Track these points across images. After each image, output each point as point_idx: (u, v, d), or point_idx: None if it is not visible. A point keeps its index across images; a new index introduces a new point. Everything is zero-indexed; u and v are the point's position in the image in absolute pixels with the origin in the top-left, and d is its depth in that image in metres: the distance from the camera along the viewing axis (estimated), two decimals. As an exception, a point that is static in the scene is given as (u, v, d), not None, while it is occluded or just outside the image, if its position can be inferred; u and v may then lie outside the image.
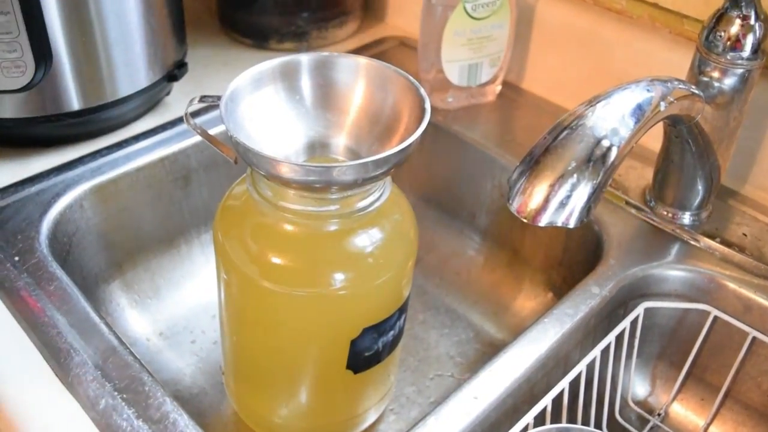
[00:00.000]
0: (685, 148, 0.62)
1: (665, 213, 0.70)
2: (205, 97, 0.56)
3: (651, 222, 0.70)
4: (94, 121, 0.76)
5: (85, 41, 0.70)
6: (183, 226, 0.80)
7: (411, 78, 0.54)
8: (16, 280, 0.59)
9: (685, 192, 0.68)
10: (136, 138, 0.77)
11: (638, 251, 0.67)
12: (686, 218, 0.69)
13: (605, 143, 0.45)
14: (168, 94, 0.83)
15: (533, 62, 0.88)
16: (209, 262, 0.81)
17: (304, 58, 0.58)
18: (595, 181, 0.44)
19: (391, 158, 0.48)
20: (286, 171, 0.48)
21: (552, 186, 0.44)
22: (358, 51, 0.96)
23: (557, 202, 0.44)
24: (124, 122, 0.79)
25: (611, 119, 0.45)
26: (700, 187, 0.67)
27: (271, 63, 0.58)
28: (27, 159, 0.74)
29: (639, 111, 0.47)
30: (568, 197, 0.44)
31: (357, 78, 0.58)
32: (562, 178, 0.44)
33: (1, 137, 0.75)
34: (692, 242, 0.68)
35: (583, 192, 0.44)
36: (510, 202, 0.45)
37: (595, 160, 0.44)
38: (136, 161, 0.74)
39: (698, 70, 0.61)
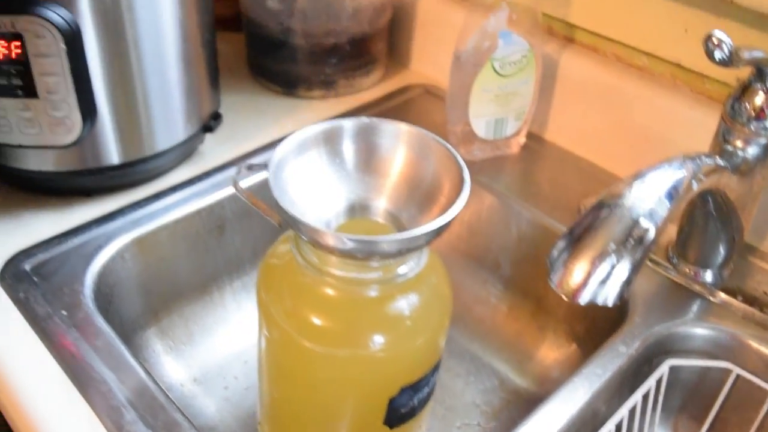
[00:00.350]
0: (709, 213, 0.65)
1: (688, 270, 0.72)
2: (253, 165, 0.59)
3: (674, 279, 0.72)
4: (132, 173, 0.78)
5: (127, 98, 0.73)
6: (216, 273, 0.83)
7: (450, 147, 0.56)
8: (66, 336, 0.62)
9: (707, 251, 0.70)
10: (174, 189, 0.80)
11: (662, 308, 0.69)
12: (708, 276, 0.71)
13: (644, 224, 0.47)
14: (202, 142, 0.86)
15: (556, 114, 0.91)
16: (241, 309, 0.84)
17: (347, 124, 0.60)
18: (634, 260, 0.46)
19: (434, 231, 0.50)
20: (331, 241, 0.50)
21: (592, 264, 0.46)
22: (384, 99, 0.99)
23: (597, 280, 0.46)
24: (161, 172, 0.81)
25: (648, 200, 0.48)
26: (722, 247, 0.69)
27: (315, 129, 0.60)
28: (68, 209, 0.77)
29: (674, 191, 0.49)
30: (608, 276, 0.46)
31: (398, 144, 0.60)
32: (602, 257, 0.46)
33: (43, 188, 0.78)
34: (714, 300, 0.70)
35: (622, 270, 0.46)
36: (551, 278, 0.48)
37: (634, 239, 0.47)
38: (174, 213, 0.77)
39: (723, 138, 0.63)
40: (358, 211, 0.61)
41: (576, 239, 0.47)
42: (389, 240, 0.49)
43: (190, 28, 0.75)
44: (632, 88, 0.83)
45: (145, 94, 0.74)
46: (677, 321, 0.68)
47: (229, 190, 0.80)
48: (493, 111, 0.84)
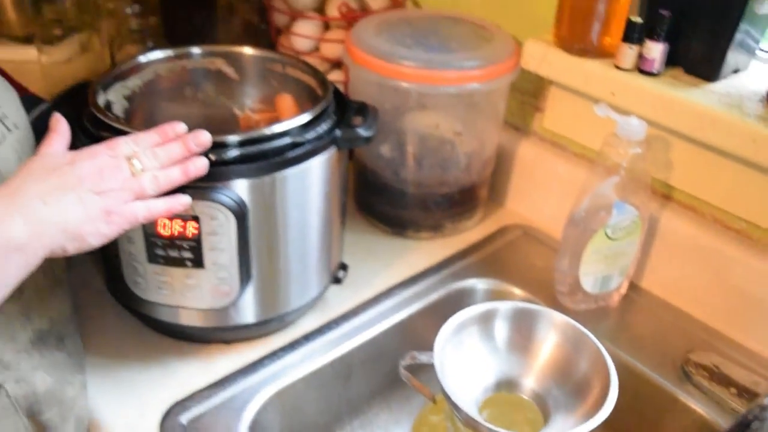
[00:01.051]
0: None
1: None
2: (418, 354, 0.64)
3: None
4: (267, 327, 0.85)
5: (271, 264, 0.80)
6: (339, 415, 0.88)
7: (604, 351, 0.62)
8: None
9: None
10: (307, 338, 0.86)
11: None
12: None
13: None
14: (328, 290, 0.92)
15: (654, 266, 0.96)
16: (361, 451, 0.89)
17: (502, 307, 0.67)
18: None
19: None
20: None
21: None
22: (486, 241, 1.05)
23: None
24: (292, 321, 0.87)
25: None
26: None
27: (472, 311, 0.66)
28: (211, 357, 0.83)
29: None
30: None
31: (550, 331, 0.66)
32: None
33: (187, 338, 0.84)
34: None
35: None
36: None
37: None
38: (309, 365, 0.83)
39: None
40: (505, 386, 0.67)
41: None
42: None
43: (331, 197, 0.82)
44: (729, 249, 0.88)
45: (287, 259, 0.80)
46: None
47: (359, 340, 0.86)
48: (601, 269, 0.89)
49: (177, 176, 0.67)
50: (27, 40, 1.50)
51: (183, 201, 0.67)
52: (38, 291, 0.72)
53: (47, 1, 1.40)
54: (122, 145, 0.66)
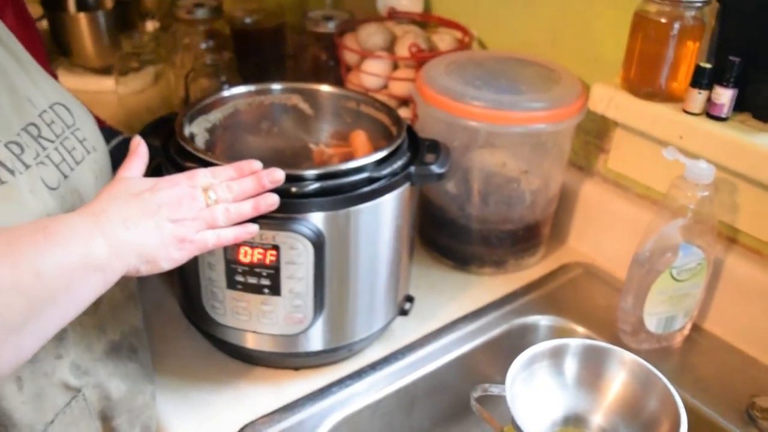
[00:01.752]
0: None
1: None
2: (490, 386, 0.66)
3: None
4: (334, 355, 0.87)
5: (341, 294, 0.82)
6: (401, 445, 0.90)
7: (674, 391, 0.63)
8: None
9: None
10: (373, 367, 0.88)
11: None
12: None
13: None
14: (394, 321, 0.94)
15: (719, 308, 0.96)
16: (422, 481, 0.90)
17: (572, 343, 0.68)
18: None
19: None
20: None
21: None
22: (547, 277, 1.06)
23: None
24: (359, 351, 0.90)
25: None
26: None
27: (543, 346, 0.67)
28: (280, 382, 0.86)
29: None
30: None
31: (619, 370, 0.67)
32: None
33: (256, 361, 0.88)
34: None
35: None
36: None
37: None
38: (375, 394, 0.85)
39: None
40: (573, 421, 0.68)
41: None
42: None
43: (402, 231, 0.84)
44: (797, 293, 0.89)
45: (357, 290, 0.83)
46: None
47: (423, 371, 0.88)
48: (666, 310, 0.90)
49: (248, 210, 0.70)
50: (104, 71, 1.58)
51: (250, 230, 0.70)
52: (113, 305, 0.76)
53: (126, 35, 1.47)
54: (201, 176, 0.69)
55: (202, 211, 0.67)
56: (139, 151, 0.71)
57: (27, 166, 0.63)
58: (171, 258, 0.65)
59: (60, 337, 0.68)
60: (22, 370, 0.65)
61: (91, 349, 0.73)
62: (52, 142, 0.67)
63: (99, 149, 0.75)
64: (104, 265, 0.60)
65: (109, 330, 0.76)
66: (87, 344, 0.72)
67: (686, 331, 0.95)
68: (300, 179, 0.74)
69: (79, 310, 0.60)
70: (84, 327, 0.72)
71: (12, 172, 0.61)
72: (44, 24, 1.57)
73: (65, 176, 0.67)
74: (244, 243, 0.75)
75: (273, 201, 0.71)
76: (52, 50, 1.60)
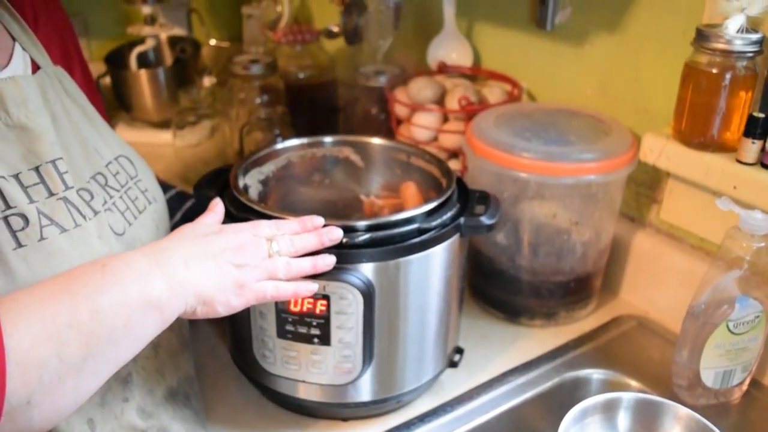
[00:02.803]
0: None
1: None
2: (540, 441, 0.65)
3: None
4: (383, 406, 0.87)
5: (390, 345, 0.82)
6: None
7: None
8: None
9: None
10: (422, 419, 0.87)
11: None
12: None
13: None
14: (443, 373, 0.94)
15: (779, 363, 0.93)
16: None
17: (625, 397, 0.67)
18: None
19: None
20: None
21: None
22: (598, 330, 1.04)
23: None
24: (407, 402, 0.89)
25: None
26: None
27: (595, 399, 0.66)
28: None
29: None
30: None
31: (674, 425, 0.66)
32: None
33: (304, 411, 0.88)
34: None
35: None
36: None
37: None
38: (426, 447, 0.84)
39: None
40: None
41: None
42: None
43: (452, 282, 0.84)
44: None
45: (406, 341, 0.83)
46: None
47: (471, 425, 0.87)
48: (723, 364, 0.88)
49: (307, 267, 0.71)
50: (162, 125, 1.63)
51: (311, 288, 0.71)
52: (171, 352, 0.78)
53: (184, 91, 1.52)
54: (265, 227, 0.71)
55: (264, 260, 0.68)
56: (217, 209, 0.75)
57: (96, 212, 0.66)
58: (228, 303, 0.66)
59: (126, 380, 0.70)
60: (93, 412, 0.67)
61: (152, 393, 0.75)
62: (118, 191, 0.70)
63: (159, 200, 0.78)
64: (162, 304, 0.61)
65: (167, 375, 0.78)
66: (149, 388, 0.74)
67: (745, 387, 0.92)
68: (351, 230, 0.76)
69: (137, 349, 0.61)
70: (147, 371, 0.74)
71: (84, 217, 0.64)
72: (107, 80, 1.64)
73: (129, 224, 0.70)
74: (295, 292, 0.76)
75: (330, 261, 0.73)
76: (114, 105, 1.67)
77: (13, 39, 0.69)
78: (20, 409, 0.52)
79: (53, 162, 0.64)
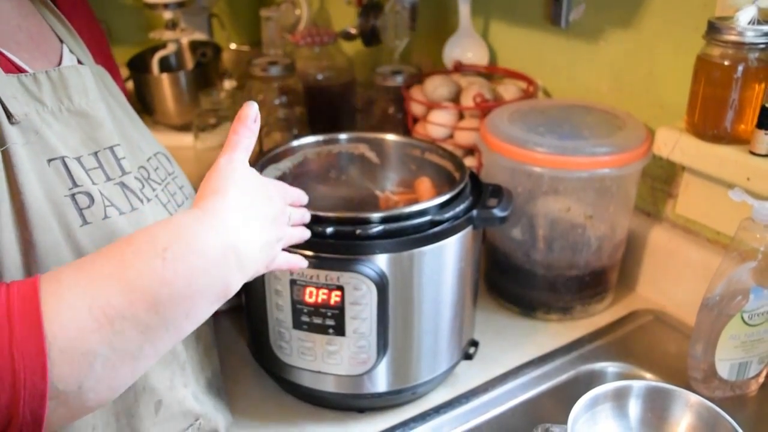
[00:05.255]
0: None
1: None
2: (551, 426, 0.66)
3: None
4: (398, 397, 0.88)
5: (405, 336, 0.84)
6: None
7: (739, 429, 0.61)
8: None
9: None
10: (437, 411, 0.88)
11: None
12: None
13: None
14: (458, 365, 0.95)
15: (796, 356, 0.93)
16: None
17: (636, 385, 0.67)
18: None
19: None
20: None
21: None
22: (614, 324, 1.05)
23: None
24: (423, 394, 0.90)
25: None
26: None
27: (606, 387, 0.67)
28: (344, 424, 0.87)
29: None
30: None
31: (685, 412, 0.66)
32: None
33: (321, 403, 0.89)
34: None
35: None
36: None
37: None
38: (440, 438, 0.85)
39: None
40: (637, 470, 0.67)
41: None
42: None
43: (465, 274, 0.85)
44: None
45: (421, 332, 0.84)
46: None
47: (487, 416, 0.88)
48: (739, 355, 0.88)
49: (297, 238, 0.73)
50: (184, 128, 1.66)
51: (302, 264, 0.74)
52: (206, 346, 0.81)
53: (205, 93, 1.54)
54: (288, 194, 0.73)
55: (286, 231, 0.69)
56: (254, 128, 0.65)
57: (149, 199, 0.68)
58: (258, 273, 0.64)
59: (183, 366, 0.73)
60: (163, 394, 0.69)
61: (198, 382, 0.77)
62: (159, 184, 0.73)
63: (192, 198, 0.80)
64: (232, 291, 0.58)
65: (205, 367, 0.80)
66: (196, 377, 0.77)
67: (761, 379, 0.92)
68: (365, 221, 0.77)
69: (194, 328, 0.57)
70: (193, 361, 0.76)
71: (140, 200, 0.66)
72: (130, 85, 1.67)
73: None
74: (309, 284, 0.77)
75: (307, 235, 0.75)
76: (137, 109, 1.68)
77: (61, 41, 0.72)
78: (72, 394, 0.50)
79: (111, 148, 0.66)
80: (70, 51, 0.72)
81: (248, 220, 0.59)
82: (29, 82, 0.61)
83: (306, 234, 0.75)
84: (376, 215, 0.77)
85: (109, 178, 0.65)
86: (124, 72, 1.65)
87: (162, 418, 0.70)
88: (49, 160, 0.60)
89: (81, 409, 0.52)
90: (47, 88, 0.62)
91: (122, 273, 0.51)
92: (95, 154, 0.65)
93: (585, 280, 1.03)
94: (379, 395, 0.86)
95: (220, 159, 0.63)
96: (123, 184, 0.66)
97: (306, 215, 0.76)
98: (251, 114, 0.64)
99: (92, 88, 0.67)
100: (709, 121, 0.92)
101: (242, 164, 0.63)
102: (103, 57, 0.82)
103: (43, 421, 0.49)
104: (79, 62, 0.72)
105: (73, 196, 0.61)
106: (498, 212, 0.83)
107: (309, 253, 0.76)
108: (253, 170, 0.64)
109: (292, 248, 0.74)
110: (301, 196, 0.76)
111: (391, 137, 0.99)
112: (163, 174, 0.75)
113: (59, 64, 0.69)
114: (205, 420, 0.77)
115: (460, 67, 1.30)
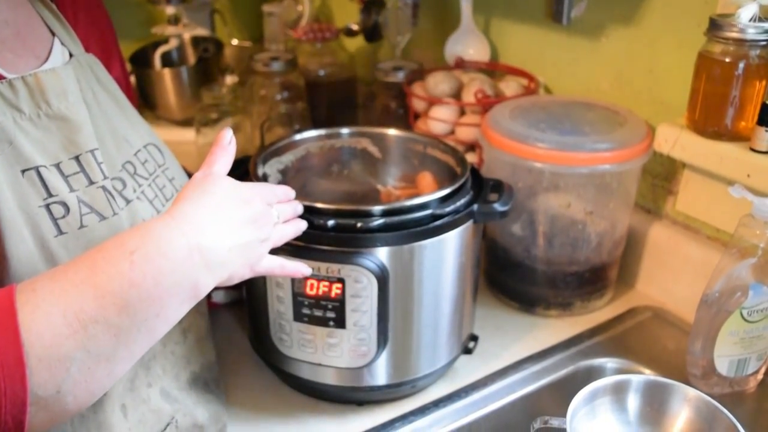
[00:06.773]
0: None
1: None
2: (550, 419, 0.66)
3: None
4: (397, 390, 0.88)
5: (405, 329, 0.84)
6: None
7: (740, 428, 0.61)
8: None
9: None
10: (436, 404, 0.88)
11: None
12: None
13: None
14: (458, 359, 0.95)
15: (794, 353, 0.93)
16: None
17: (635, 379, 0.67)
18: None
19: None
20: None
21: None
22: (614, 320, 1.05)
23: None
24: (422, 388, 0.91)
25: None
26: None
27: (606, 381, 0.67)
28: (343, 417, 0.88)
29: None
30: None
31: (683, 407, 0.66)
32: None
33: (320, 395, 0.89)
34: None
35: None
36: None
37: None
38: (438, 431, 0.85)
39: None
40: (635, 461, 0.67)
41: None
42: None
43: (465, 268, 0.86)
44: None
45: (421, 326, 0.84)
46: None
47: (485, 411, 0.88)
48: (737, 352, 0.88)
49: (290, 235, 0.73)
50: (185, 123, 1.66)
51: (305, 272, 0.74)
52: (197, 337, 0.80)
53: (206, 88, 1.55)
54: (270, 194, 0.70)
55: (271, 230, 0.68)
56: (230, 149, 0.68)
57: (128, 201, 0.68)
58: (243, 277, 0.65)
59: (147, 366, 0.72)
60: (125, 397, 0.69)
61: (178, 378, 0.77)
62: (146, 179, 0.72)
63: None
64: (202, 292, 0.59)
65: (192, 361, 0.80)
66: (175, 374, 0.76)
67: (760, 376, 0.93)
68: (366, 215, 0.77)
69: (169, 328, 0.58)
70: (175, 356, 0.76)
71: (126, 201, 0.66)
72: (132, 80, 1.67)
73: (158, 212, 0.72)
74: (310, 276, 0.77)
75: (303, 226, 0.75)
76: (139, 104, 1.70)
77: (53, 34, 0.71)
78: (51, 398, 0.51)
79: (92, 152, 0.66)
80: (62, 44, 0.71)
81: (217, 222, 0.60)
82: (5, 89, 0.61)
83: (302, 225, 0.75)
84: (377, 208, 0.78)
85: (91, 182, 0.65)
86: (126, 67, 1.65)
87: (134, 422, 0.69)
88: (23, 171, 0.60)
89: (62, 413, 0.53)
90: (24, 94, 0.62)
91: (93, 279, 0.52)
92: (77, 158, 0.64)
93: (585, 277, 1.04)
94: (379, 388, 0.86)
95: (195, 174, 0.64)
96: (104, 188, 0.66)
97: (298, 207, 0.76)
98: (227, 137, 0.68)
99: (72, 90, 0.66)
100: (709, 118, 0.92)
101: (216, 176, 0.64)
102: (106, 44, 0.81)
103: (24, 427, 0.50)
104: (71, 55, 0.71)
105: (47, 206, 0.61)
106: (499, 207, 0.83)
107: (309, 245, 0.77)
108: (229, 178, 0.65)
109: (294, 241, 0.75)
110: (288, 192, 0.75)
111: (393, 132, 1.00)
112: (152, 167, 0.75)
113: (47, 57, 0.69)
114: (181, 416, 0.76)
115: (461, 64, 1.30)
